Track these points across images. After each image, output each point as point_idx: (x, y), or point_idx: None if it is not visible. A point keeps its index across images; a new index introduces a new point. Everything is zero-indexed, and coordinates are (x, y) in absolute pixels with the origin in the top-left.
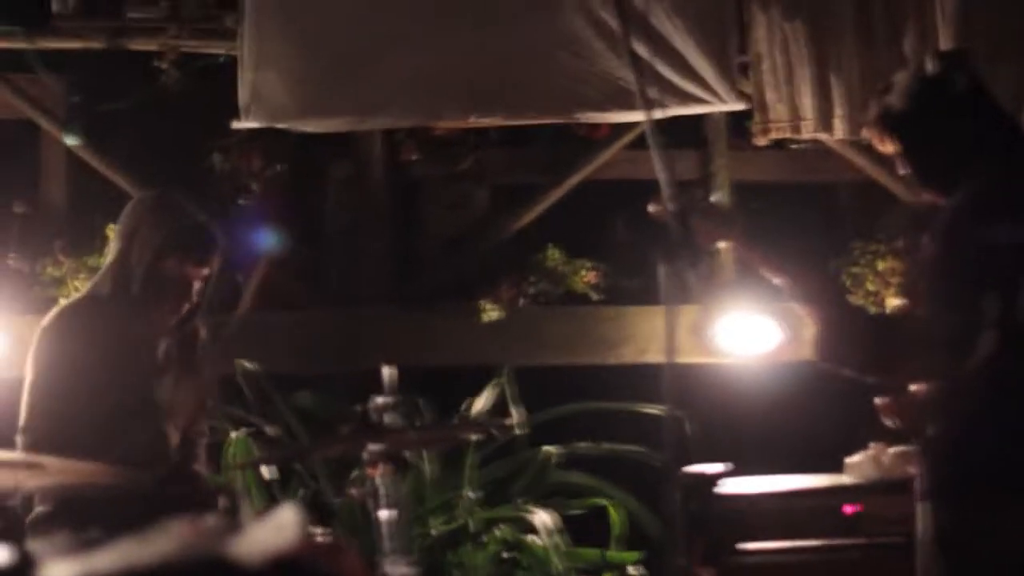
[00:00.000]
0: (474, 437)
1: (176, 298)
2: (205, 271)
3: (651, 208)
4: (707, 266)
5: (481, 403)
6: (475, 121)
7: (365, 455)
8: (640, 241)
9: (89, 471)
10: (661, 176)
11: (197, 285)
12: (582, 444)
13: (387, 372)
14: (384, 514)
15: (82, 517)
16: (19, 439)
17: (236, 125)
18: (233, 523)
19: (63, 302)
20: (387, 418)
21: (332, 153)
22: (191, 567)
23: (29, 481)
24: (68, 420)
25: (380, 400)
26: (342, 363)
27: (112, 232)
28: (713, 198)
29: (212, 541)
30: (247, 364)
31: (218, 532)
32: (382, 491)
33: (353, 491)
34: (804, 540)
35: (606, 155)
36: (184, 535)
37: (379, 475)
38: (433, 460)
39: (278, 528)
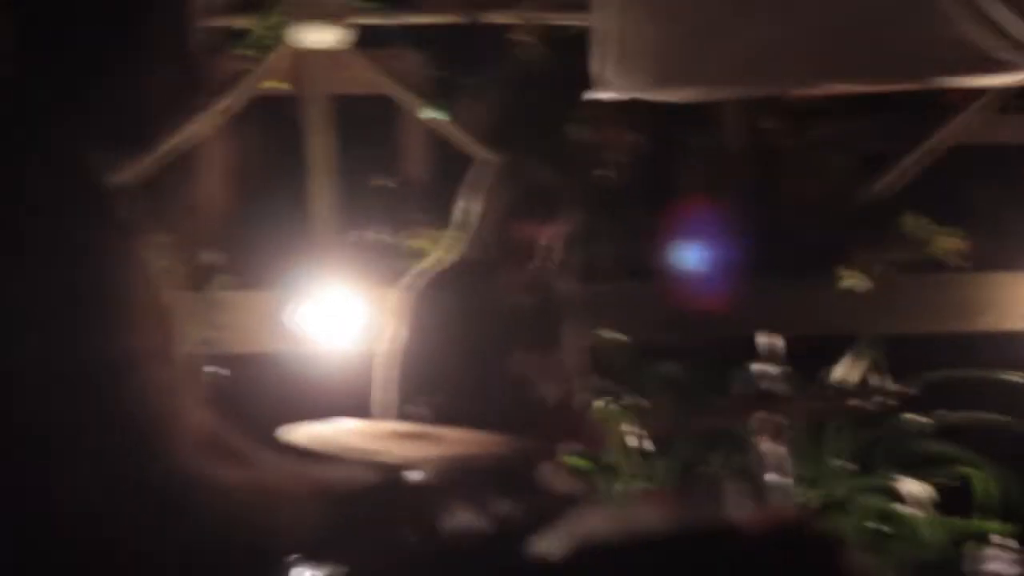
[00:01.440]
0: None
1: (523, 259)
2: (552, 232)
3: None
4: None
5: (843, 371)
6: (832, 89)
7: (756, 423)
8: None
9: (485, 441)
10: None
11: (544, 246)
12: (947, 413)
13: (770, 341)
14: (777, 481)
15: (481, 488)
16: (411, 409)
17: (590, 96)
18: (705, 492)
19: (421, 268)
20: (770, 386)
21: (691, 123)
22: (697, 533)
23: (428, 452)
24: (450, 389)
25: (766, 369)
26: (702, 333)
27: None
28: None
29: (706, 508)
30: (614, 334)
31: (702, 500)
32: (775, 459)
33: (753, 455)
34: None
35: (963, 120)
36: (665, 503)
37: (770, 443)
38: (797, 428)
39: (743, 497)
